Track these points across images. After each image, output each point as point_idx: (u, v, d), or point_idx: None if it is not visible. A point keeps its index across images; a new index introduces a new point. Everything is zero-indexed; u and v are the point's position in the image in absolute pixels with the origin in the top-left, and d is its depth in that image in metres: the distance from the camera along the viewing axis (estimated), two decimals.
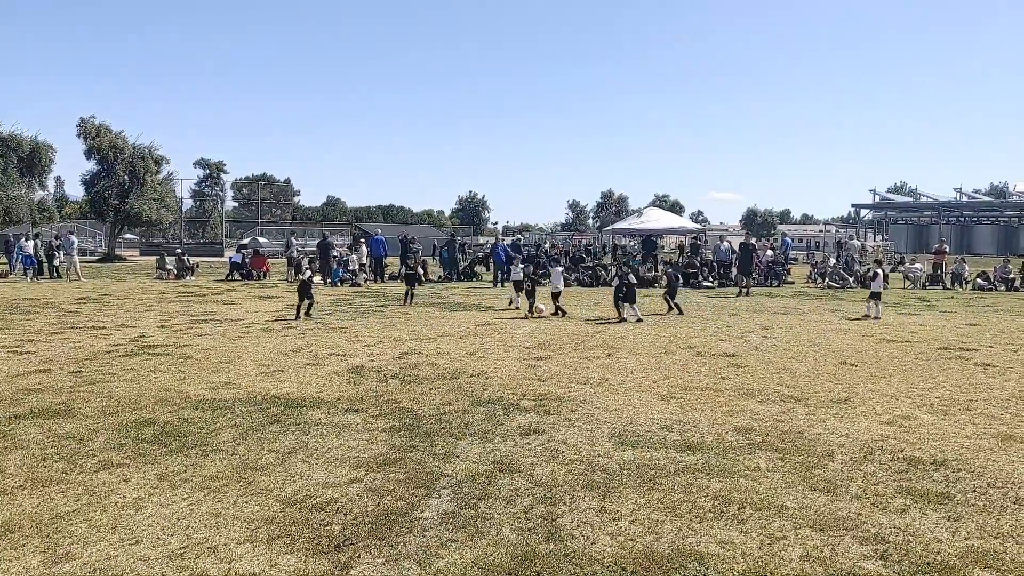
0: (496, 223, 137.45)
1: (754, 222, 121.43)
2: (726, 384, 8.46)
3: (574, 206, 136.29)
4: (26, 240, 29.20)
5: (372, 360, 10.15)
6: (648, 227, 27.99)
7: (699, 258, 26.78)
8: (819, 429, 6.52)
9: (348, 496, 4.92)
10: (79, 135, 43.04)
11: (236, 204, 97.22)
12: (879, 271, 16.55)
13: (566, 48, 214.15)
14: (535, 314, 15.22)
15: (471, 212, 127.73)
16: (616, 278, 15.44)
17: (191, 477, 5.35)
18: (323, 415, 7.13)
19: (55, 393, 8.08)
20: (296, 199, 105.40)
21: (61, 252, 28.07)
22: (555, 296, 15.84)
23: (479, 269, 28.72)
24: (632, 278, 15.32)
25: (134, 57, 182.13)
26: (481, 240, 66.50)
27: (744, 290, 21.75)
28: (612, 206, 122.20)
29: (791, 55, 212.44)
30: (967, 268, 25.46)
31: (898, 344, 11.70)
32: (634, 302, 14.89)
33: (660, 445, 6.03)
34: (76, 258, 28.25)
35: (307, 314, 15.28)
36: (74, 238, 29.88)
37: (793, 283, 25.84)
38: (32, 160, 41.44)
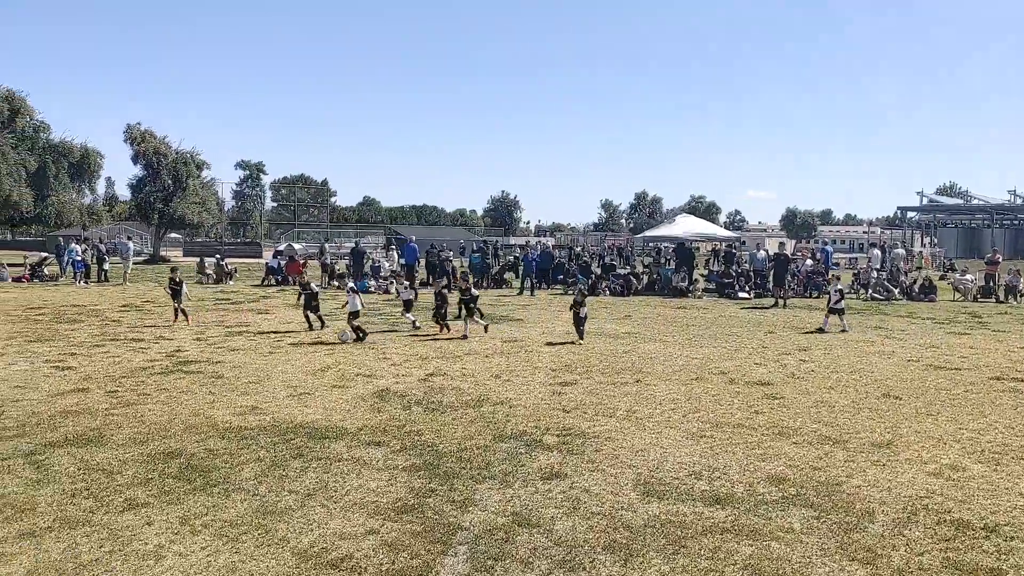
0: (528, 222, 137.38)
1: (794, 223, 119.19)
2: (760, 420, 8.19)
3: (607, 206, 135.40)
4: (76, 244, 30.01)
5: (397, 382, 10.11)
6: (680, 234, 27.58)
7: (734, 267, 26.28)
8: (858, 480, 6.23)
9: (363, 551, 4.84)
10: (126, 140, 44.22)
11: (275, 205, 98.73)
12: (840, 287, 16.31)
13: (599, 46, 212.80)
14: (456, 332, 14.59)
15: (503, 212, 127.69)
16: (578, 296, 14.56)
17: (211, 522, 5.32)
18: (345, 448, 7.08)
19: (90, 416, 8.19)
20: (333, 200, 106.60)
21: (111, 256, 28.85)
22: (352, 316, 13.92)
23: (508, 276, 28.62)
24: (473, 292, 15.08)
25: (179, 61, 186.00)
26: (513, 241, 66.28)
27: (781, 301, 21.29)
28: (646, 207, 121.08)
29: (831, 48, 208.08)
30: (1022, 280, 24.44)
31: (946, 372, 11.23)
32: (473, 315, 14.61)
33: (687, 497, 5.82)
34: (130, 263, 29.02)
35: (322, 324, 15.19)
36: (131, 244, 30.74)
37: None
38: (82, 166, 42.69)
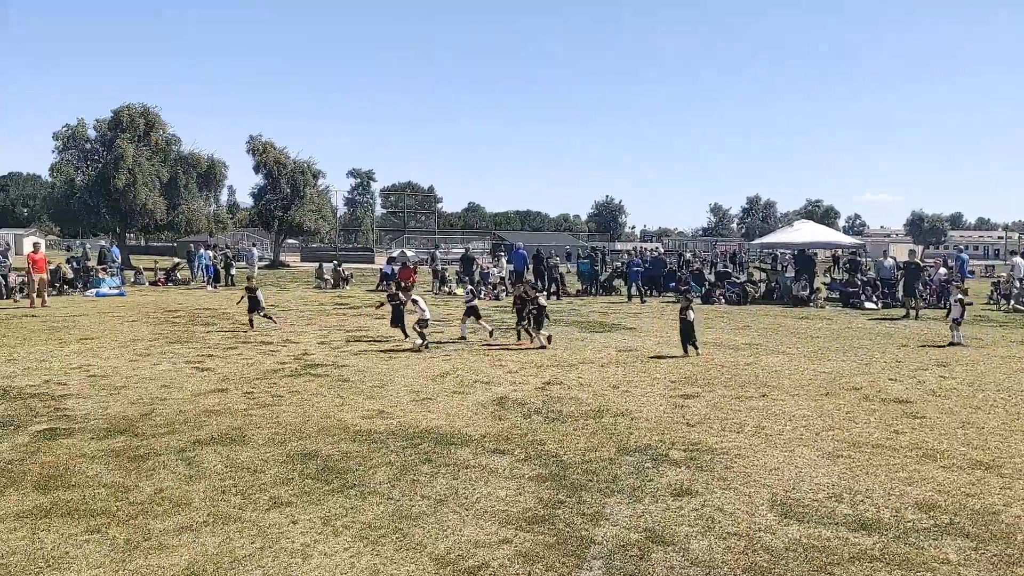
0: (633, 227, 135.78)
1: (920, 228, 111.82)
2: (902, 440, 7.73)
3: (716, 210, 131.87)
4: (206, 250, 32.19)
5: (515, 390, 10.19)
6: (800, 240, 26.47)
7: (859, 276, 24.97)
8: (1018, 510, 5.77)
9: (499, 560, 4.90)
10: (248, 151, 47.07)
11: (384, 211, 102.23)
12: (960, 297, 15.10)
13: (707, 46, 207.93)
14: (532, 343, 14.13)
15: (607, 217, 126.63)
16: (685, 308, 13.32)
17: (351, 523, 5.52)
18: (471, 455, 7.20)
19: (231, 416, 8.68)
20: (439, 206, 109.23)
21: (237, 262, 30.81)
22: (420, 324, 13.82)
23: (617, 283, 28.37)
24: (541, 301, 14.13)
25: (294, 74, 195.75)
26: (619, 246, 65.67)
27: (912, 312, 20.05)
28: (759, 212, 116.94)
29: (956, 34, 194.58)
30: None
31: None
32: (541, 326, 14.03)
33: (829, 520, 5.57)
34: (256, 270, 30.84)
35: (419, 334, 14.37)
36: (256, 251, 32.74)
37: (971, 303, 23.46)
38: (209, 176, 45.74)
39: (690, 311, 13.28)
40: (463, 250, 31.69)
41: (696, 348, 13.25)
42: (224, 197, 54.78)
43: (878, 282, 23.76)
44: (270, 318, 16.72)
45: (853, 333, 16.74)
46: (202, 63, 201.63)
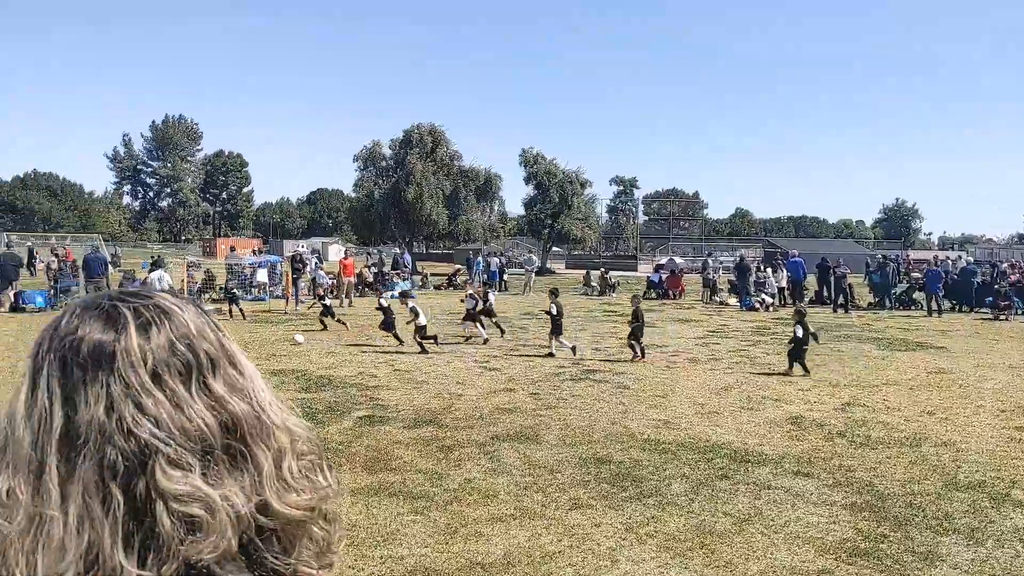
0: (930, 234, 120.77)
1: None
2: None
3: None
4: (493, 257, 34.71)
5: (810, 409, 9.50)
6: None
7: None
8: None
9: None
10: (520, 163, 49.77)
11: (647, 218, 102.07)
12: None
13: (1003, 22, 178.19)
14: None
15: (897, 222, 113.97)
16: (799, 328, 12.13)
17: (654, 533, 5.50)
18: (771, 475, 6.83)
19: (522, 415, 9.14)
20: (704, 212, 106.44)
21: (510, 268, 32.76)
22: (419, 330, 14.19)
23: (918, 296, 25.33)
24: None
25: (562, 84, 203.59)
26: (912, 255, 58.73)
27: None
28: None
29: None
30: None
31: None
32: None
33: None
34: (533, 275, 32.54)
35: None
36: (535, 258, 34.66)
37: None
38: (485, 188, 49.17)
39: (799, 327, 12.10)
40: (735, 258, 30.43)
41: (805, 368, 11.95)
42: (497, 207, 58.44)
43: None
44: (343, 323, 17.59)
45: None
46: (475, 79, 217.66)
